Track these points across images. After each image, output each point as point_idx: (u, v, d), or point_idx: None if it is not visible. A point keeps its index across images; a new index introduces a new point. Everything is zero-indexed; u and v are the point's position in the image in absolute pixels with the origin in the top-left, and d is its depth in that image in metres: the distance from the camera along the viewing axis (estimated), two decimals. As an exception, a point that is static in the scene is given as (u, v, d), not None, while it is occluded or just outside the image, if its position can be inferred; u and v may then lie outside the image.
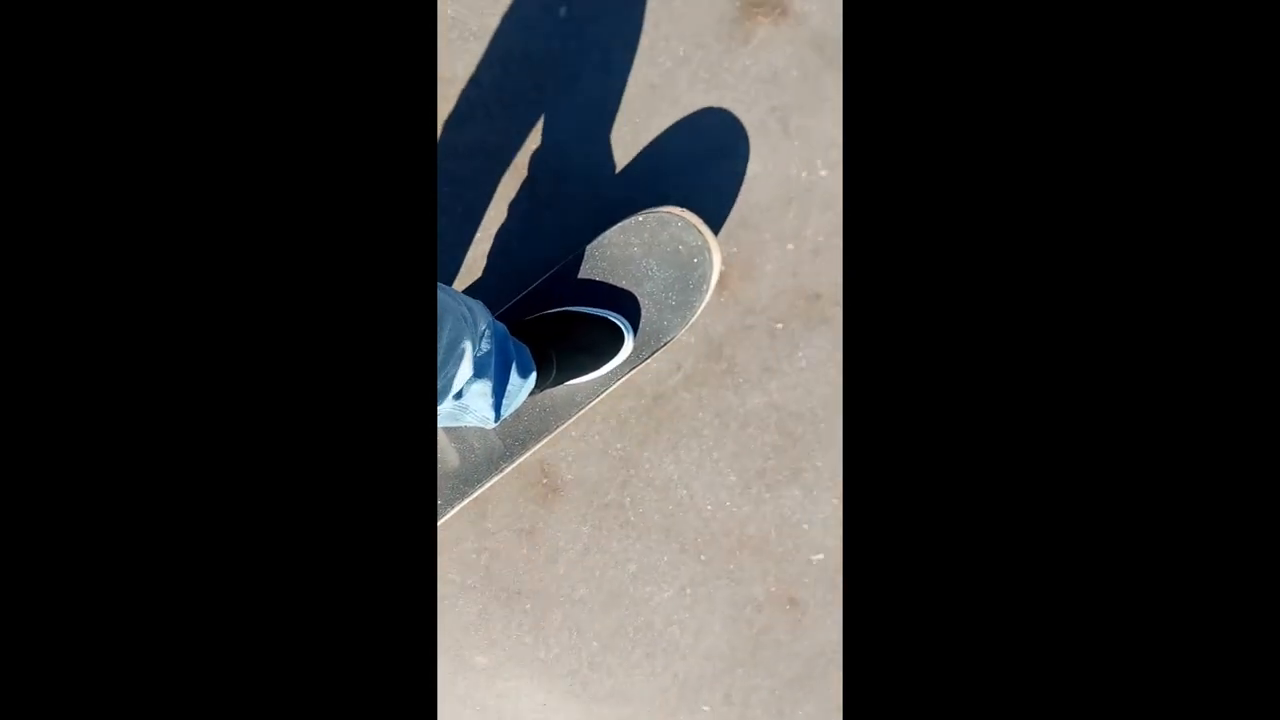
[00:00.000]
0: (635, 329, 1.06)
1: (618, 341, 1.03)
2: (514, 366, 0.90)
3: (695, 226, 1.04)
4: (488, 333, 0.81)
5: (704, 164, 1.12)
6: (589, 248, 1.06)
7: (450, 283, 1.13)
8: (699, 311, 1.06)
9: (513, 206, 1.12)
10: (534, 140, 1.12)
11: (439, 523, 1.07)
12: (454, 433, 1.06)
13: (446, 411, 0.82)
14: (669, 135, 1.12)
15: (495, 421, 0.89)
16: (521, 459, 1.07)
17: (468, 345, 0.74)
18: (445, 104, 1.12)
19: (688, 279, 1.05)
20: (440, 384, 0.71)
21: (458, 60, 1.12)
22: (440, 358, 0.68)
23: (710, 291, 1.06)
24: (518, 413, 1.06)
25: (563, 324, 1.02)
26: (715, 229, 1.09)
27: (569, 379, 1.03)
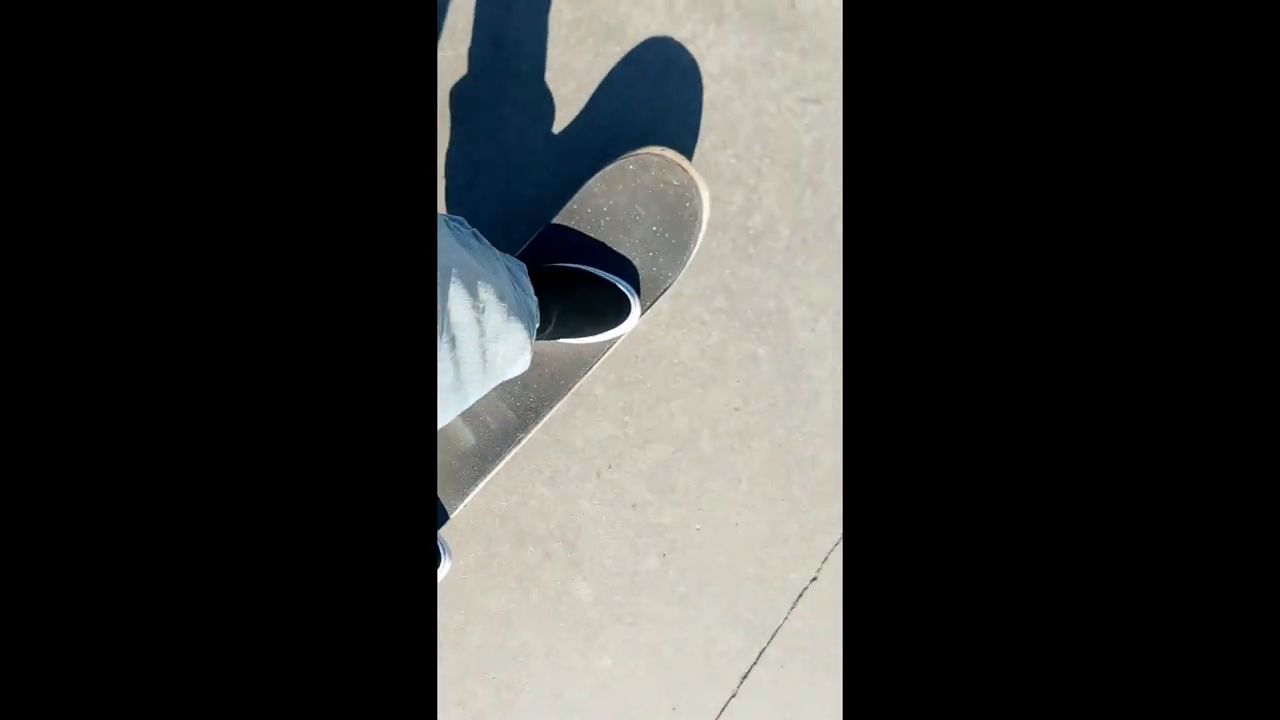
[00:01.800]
0: (640, 295, 1.03)
1: (623, 313, 1.01)
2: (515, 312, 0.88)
3: (677, 164, 1.01)
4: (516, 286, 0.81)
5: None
6: (573, 200, 1.02)
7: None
8: (694, 251, 1.04)
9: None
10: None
11: (463, 503, 1.04)
12: (466, 413, 1.02)
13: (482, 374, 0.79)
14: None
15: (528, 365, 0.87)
16: (537, 427, 1.04)
17: (505, 295, 0.73)
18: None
19: (679, 219, 1.03)
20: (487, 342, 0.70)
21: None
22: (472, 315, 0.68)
23: (703, 229, 1.03)
24: (527, 381, 1.03)
25: (573, 282, 0.99)
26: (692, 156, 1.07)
27: (565, 337, 1.01)
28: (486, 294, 0.69)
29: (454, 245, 0.67)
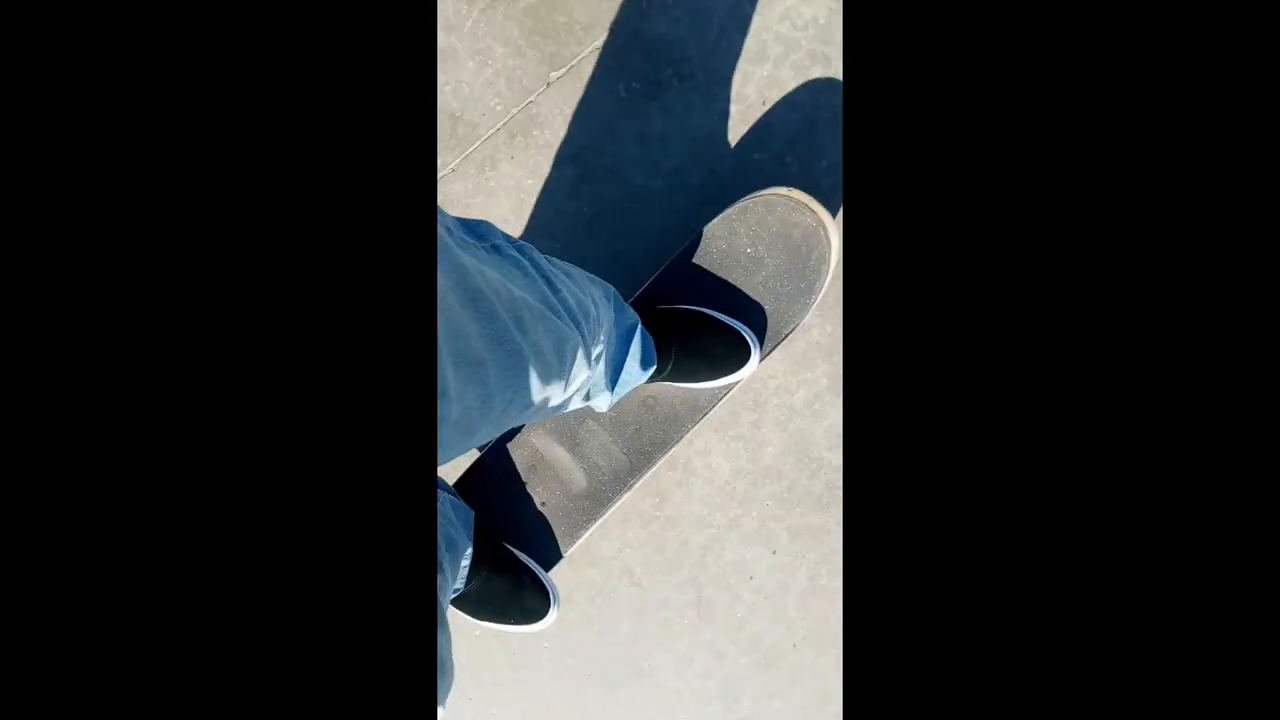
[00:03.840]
0: (761, 342, 0.98)
1: (742, 358, 0.97)
2: (638, 357, 0.86)
3: (805, 205, 0.95)
4: (609, 328, 0.77)
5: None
6: (695, 241, 0.99)
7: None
8: (820, 295, 0.98)
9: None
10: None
11: (573, 546, 1.04)
12: (578, 454, 1.02)
13: (569, 406, 0.77)
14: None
15: (608, 407, 0.87)
16: (650, 472, 1.02)
17: (579, 346, 0.68)
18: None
19: (804, 263, 0.97)
20: (557, 394, 0.66)
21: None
22: (556, 369, 0.64)
23: (830, 273, 0.97)
24: (640, 424, 1.01)
25: (694, 325, 0.96)
26: (829, 205, 1.00)
27: (680, 381, 0.98)
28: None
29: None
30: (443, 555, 0.78)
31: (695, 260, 0.99)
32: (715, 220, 0.98)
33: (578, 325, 0.67)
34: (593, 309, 0.72)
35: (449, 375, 0.49)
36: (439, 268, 0.48)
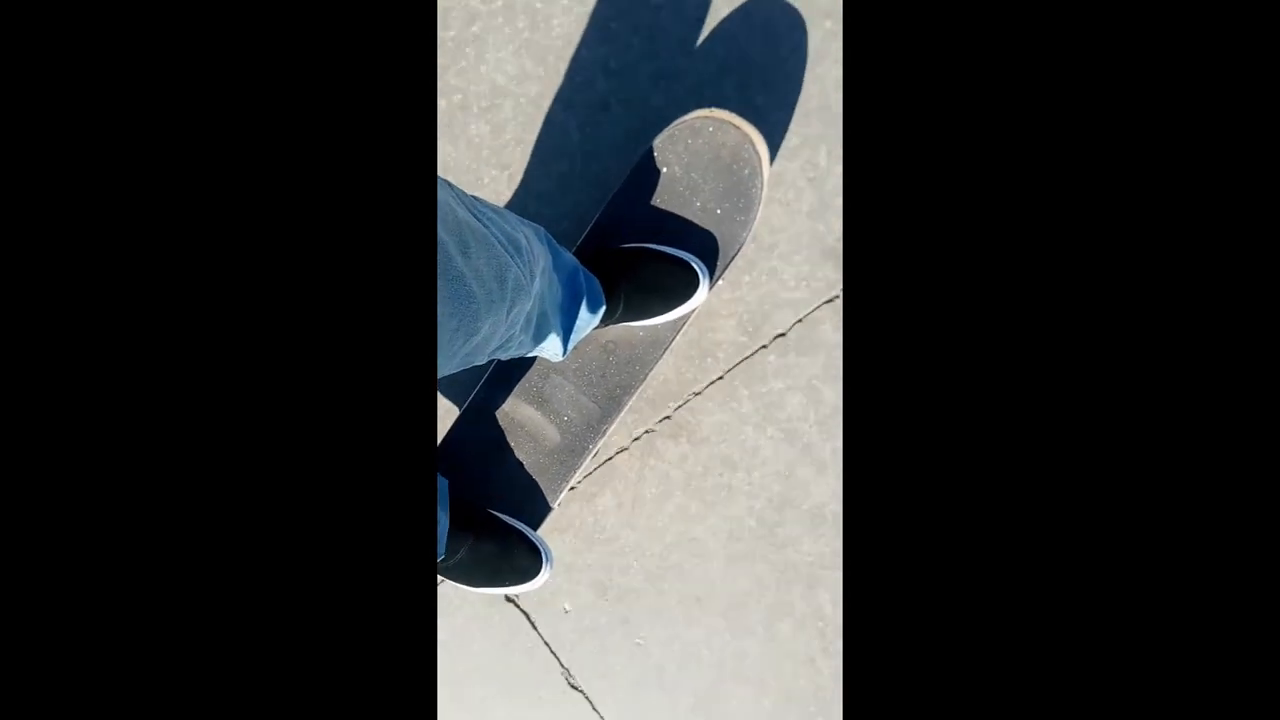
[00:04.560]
0: (712, 271, 0.98)
1: (691, 286, 0.96)
2: (584, 300, 0.86)
3: (729, 123, 0.95)
4: (546, 266, 0.77)
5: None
6: (627, 179, 0.99)
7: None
8: (759, 211, 0.98)
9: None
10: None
11: (558, 499, 1.04)
12: (547, 410, 1.02)
13: (514, 347, 0.77)
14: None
15: (564, 355, 0.87)
16: (620, 415, 1.02)
17: (524, 277, 0.69)
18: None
19: (738, 181, 0.97)
20: (500, 325, 0.66)
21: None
22: (505, 297, 0.64)
23: (765, 187, 0.97)
24: (604, 369, 1.01)
25: (638, 261, 0.96)
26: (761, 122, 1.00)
27: (634, 320, 0.98)
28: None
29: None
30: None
31: (632, 197, 0.99)
32: (644, 153, 0.98)
33: (512, 257, 0.67)
34: (525, 243, 0.71)
35: None
36: None
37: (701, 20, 1.04)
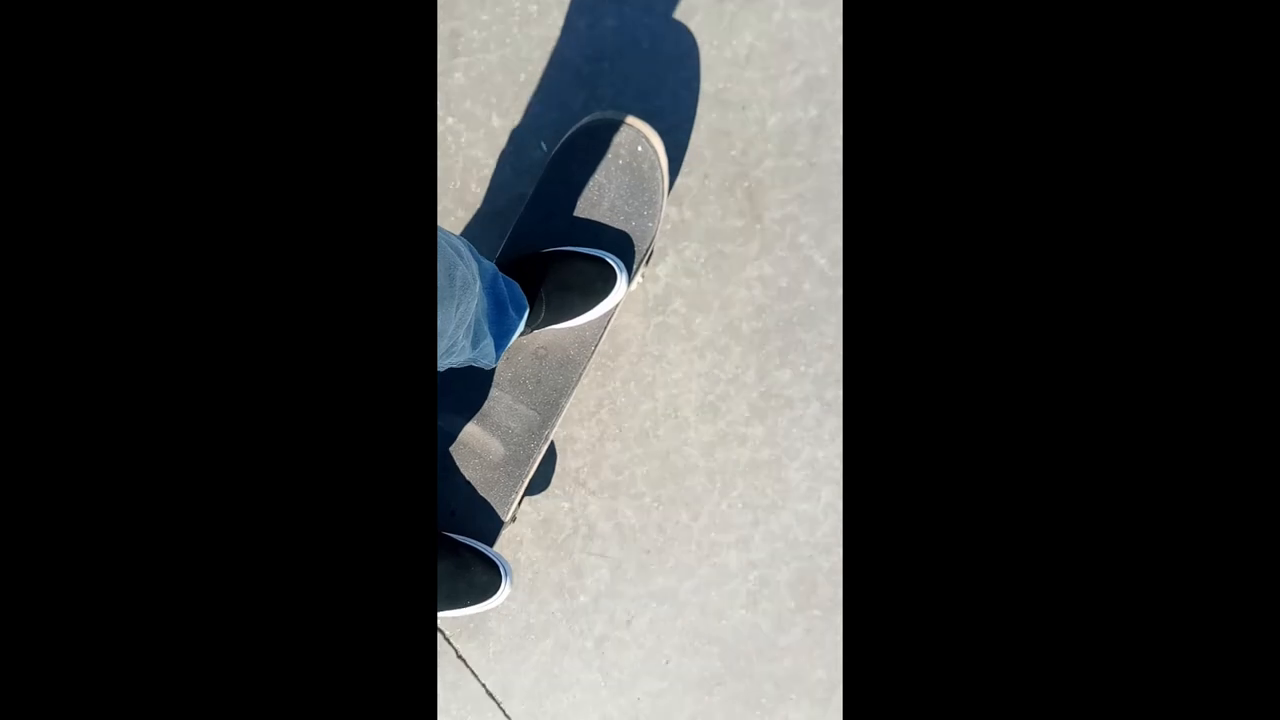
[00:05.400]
0: (629, 265, 1.01)
1: (609, 281, 0.99)
2: (508, 305, 0.88)
3: (621, 122, 1.00)
4: (477, 271, 0.80)
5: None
6: (540, 182, 1.02)
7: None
8: (665, 200, 1.01)
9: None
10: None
11: (510, 510, 1.04)
12: (486, 424, 1.03)
13: (456, 353, 0.79)
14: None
15: (496, 360, 0.89)
16: (560, 418, 1.03)
17: (469, 276, 0.71)
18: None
19: (640, 176, 1.01)
20: (454, 324, 0.68)
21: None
22: (454, 295, 0.66)
23: (666, 177, 1.01)
24: (538, 375, 1.03)
25: (553, 262, 0.99)
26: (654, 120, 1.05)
27: (561, 320, 1.00)
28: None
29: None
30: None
31: (543, 207, 1.02)
32: (547, 165, 1.02)
33: (458, 255, 0.71)
34: (463, 247, 0.75)
35: None
36: None
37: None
